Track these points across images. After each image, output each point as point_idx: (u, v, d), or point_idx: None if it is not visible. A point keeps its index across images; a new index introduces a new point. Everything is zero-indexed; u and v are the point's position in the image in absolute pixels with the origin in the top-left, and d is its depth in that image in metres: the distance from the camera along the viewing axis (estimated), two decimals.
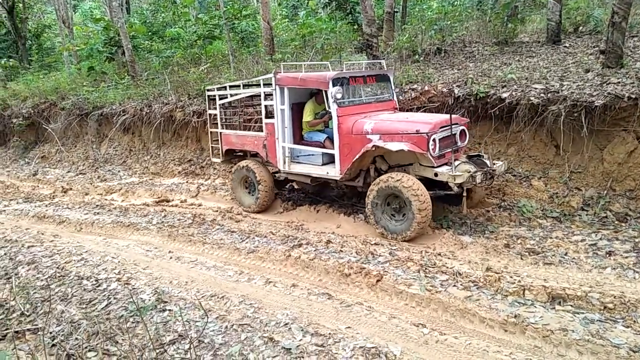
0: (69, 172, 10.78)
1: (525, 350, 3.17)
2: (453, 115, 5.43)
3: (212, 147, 7.49)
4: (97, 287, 4.47)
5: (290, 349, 3.25)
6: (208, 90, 7.27)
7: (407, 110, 7.01)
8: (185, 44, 13.30)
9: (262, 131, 6.41)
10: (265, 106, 6.28)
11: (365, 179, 5.77)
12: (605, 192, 5.58)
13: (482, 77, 6.97)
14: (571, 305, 3.64)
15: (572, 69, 6.63)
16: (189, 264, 5.00)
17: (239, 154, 7.23)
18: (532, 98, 6.07)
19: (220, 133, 7.09)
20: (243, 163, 6.74)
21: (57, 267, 5.00)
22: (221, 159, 7.28)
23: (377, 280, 4.16)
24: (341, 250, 4.92)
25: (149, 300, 4.09)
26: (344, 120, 5.59)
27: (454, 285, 4.02)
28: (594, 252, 4.58)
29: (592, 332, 3.27)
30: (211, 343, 3.38)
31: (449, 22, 9.79)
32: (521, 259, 4.54)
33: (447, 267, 4.36)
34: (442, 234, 5.17)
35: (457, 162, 5.19)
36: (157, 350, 3.27)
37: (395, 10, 10.82)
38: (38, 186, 9.70)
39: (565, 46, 7.82)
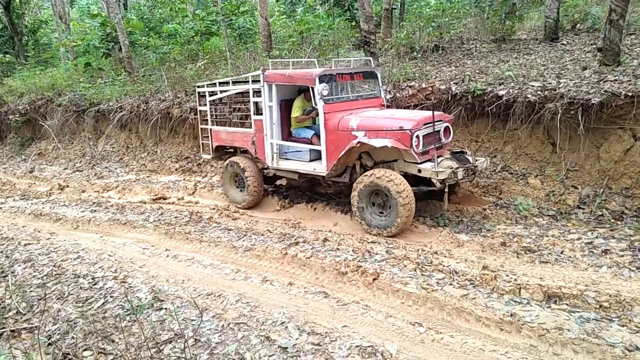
0: (65, 169, 10.73)
1: (521, 349, 3.18)
2: (437, 112, 5.47)
3: (202, 143, 7.49)
4: (94, 285, 4.46)
5: (286, 347, 3.25)
6: (198, 86, 7.27)
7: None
8: (183, 40, 13.26)
9: (251, 127, 6.43)
10: (254, 103, 6.29)
11: (351, 175, 5.81)
12: (602, 190, 5.59)
13: (480, 75, 6.97)
14: (567, 304, 3.64)
15: (570, 66, 6.63)
16: (185, 262, 4.99)
17: (230, 150, 7.23)
18: (529, 96, 6.07)
19: (210, 129, 7.10)
20: (232, 159, 6.74)
21: (54, 265, 4.98)
22: (211, 156, 7.29)
23: (374, 279, 4.16)
24: (338, 249, 4.92)
25: (145, 298, 4.09)
26: (330, 117, 5.61)
27: (450, 284, 4.03)
28: (590, 251, 4.59)
29: (588, 331, 3.28)
30: (207, 342, 3.38)
31: (446, 19, 9.78)
32: (517, 257, 4.54)
33: (444, 266, 4.36)
34: (439, 232, 5.19)
35: (439, 159, 5.23)
36: (153, 349, 3.27)
37: (393, 7, 10.80)
38: (35, 183, 9.67)
39: (562, 44, 7.82)
